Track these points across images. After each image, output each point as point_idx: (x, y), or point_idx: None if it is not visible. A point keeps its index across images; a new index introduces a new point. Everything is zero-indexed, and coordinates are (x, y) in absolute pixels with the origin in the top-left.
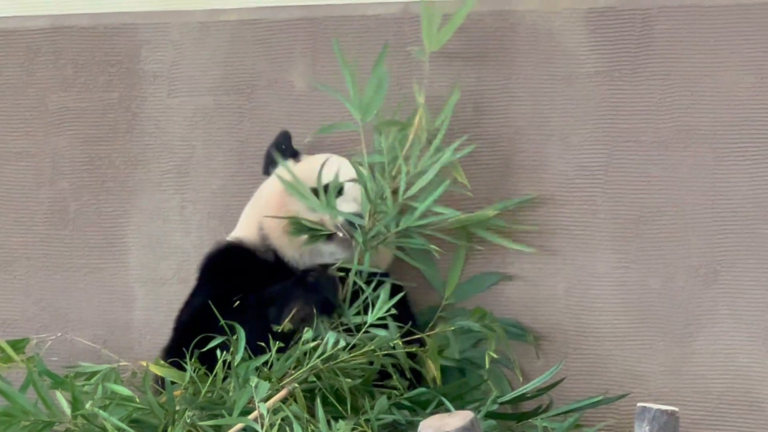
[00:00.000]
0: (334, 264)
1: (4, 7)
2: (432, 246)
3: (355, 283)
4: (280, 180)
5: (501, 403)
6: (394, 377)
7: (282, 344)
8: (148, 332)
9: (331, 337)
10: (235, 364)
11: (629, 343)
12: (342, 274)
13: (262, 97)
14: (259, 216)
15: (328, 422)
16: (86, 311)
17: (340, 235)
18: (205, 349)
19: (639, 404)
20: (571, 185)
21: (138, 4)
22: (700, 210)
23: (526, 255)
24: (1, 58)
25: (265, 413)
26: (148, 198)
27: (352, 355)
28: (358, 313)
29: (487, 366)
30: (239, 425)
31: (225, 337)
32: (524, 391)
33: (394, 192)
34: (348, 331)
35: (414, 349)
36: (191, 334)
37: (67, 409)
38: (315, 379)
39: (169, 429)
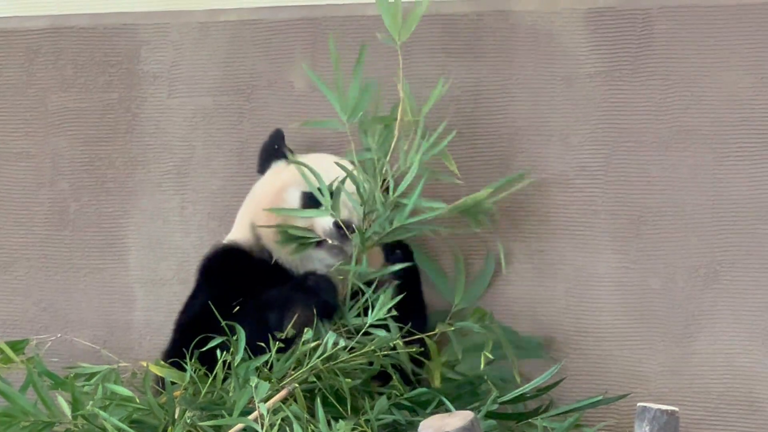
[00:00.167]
0: (329, 267)
1: (4, 8)
2: (440, 228)
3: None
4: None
5: (501, 403)
6: (395, 378)
7: (282, 345)
8: (148, 333)
9: (330, 337)
10: (235, 364)
11: (629, 343)
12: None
13: (261, 98)
14: (253, 217)
15: (328, 422)
16: (86, 312)
17: (329, 242)
18: (204, 349)
19: (639, 404)
20: (571, 186)
21: (138, 4)
22: (700, 210)
23: (526, 255)
24: (1, 58)
25: (265, 413)
26: (148, 198)
27: (352, 355)
28: (358, 315)
29: (482, 366)
30: (239, 425)
31: (225, 338)
32: (524, 391)
33: (386, 190)
34: (349, 332)
35: (414, 349)
36: (191, 336)
37: (67, 410)
38: (315, 379)
39: (169, 429)
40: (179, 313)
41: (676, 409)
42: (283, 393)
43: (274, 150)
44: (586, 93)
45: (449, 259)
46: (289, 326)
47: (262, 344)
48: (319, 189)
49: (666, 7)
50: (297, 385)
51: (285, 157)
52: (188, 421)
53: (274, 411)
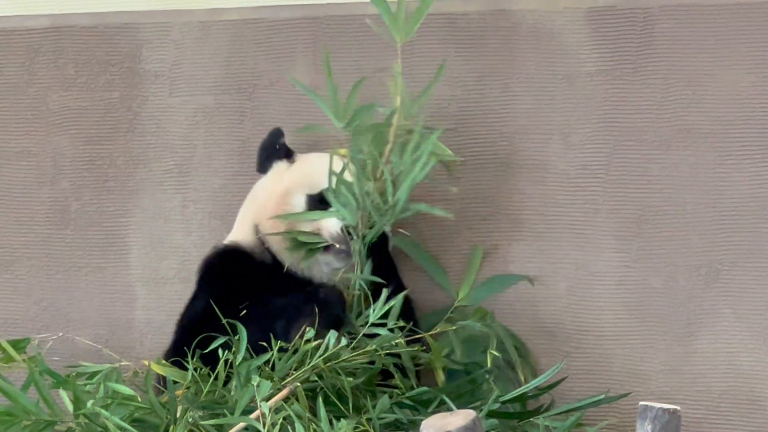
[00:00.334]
0: (336, 270)
1: (5, 7)
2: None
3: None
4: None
5: (503, 402)
6: (396, 377)
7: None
8: (150, 332)
9: (332, 336)
10: (237, 363)
11: (630, 342)
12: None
13: (263, 97)
14: (256, 219)
15: (330, 421)
16: (87, 311)
17: (337, 246)
18: (207, 350)
19: (641, 403)
20: (572, 184)
21: (139, 3)
22: (701, 209)
23: (528, 254)
24: (2, 57)
25: (266, 412)
26: (150, 197)
27: (353, 354)
28: (359, 314)
29: (488, 365)
30: (241, 424)
31: (227, 338)
32: (526, 390)
33: (381, 194)
34: (350, 331)
35: (416, 349)
36: (192, 336)
37: (69, 407)
38: (317, 378)
39: (171, 428)
40: (181, 313)
41: (678, 408)
42: (284, 392)
43: (273, 149)
44: (587, 92)
45: (450, 259)
46: (297, 337)
47: (264, 344)
48: (323, 192)
49: (667, 6)
50: (299, 384)
51: (285, 156)
52: (190, 420)
53: (276, 410)
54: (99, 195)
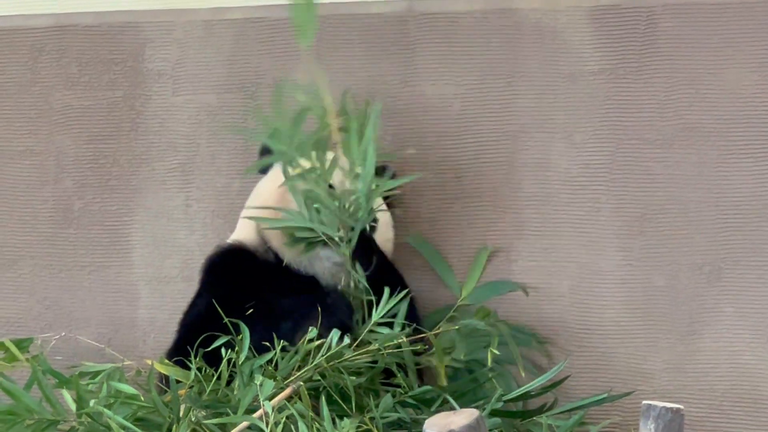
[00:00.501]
0: (337, 264)
1: (8, 6)
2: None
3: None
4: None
5: (506, 401)
6: (399, 376)
7: (286, 343)
8: (153, 331)
9: (335, 335)
10: (240, 362)
11: (633, 340)
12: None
13: (266, 96)
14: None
15: (333, 420)
16: (90, 310)
17: (336, 239)
18: (209, 348)
19: (644, 402)
20: (575, 183)
21: (142, 2)
22: (704, 208)
23: (531, 253)
24: (5, 56)
25: (269, 412)
26: (153, 196)
27: (356, 353)
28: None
29: (489, 364)
30: (244, 424)
31: (230, 337)
32: (529, 389)
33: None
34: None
35: (419, 348)
36: (195, 335)
37: (72, 406)
38: (320, 377)
39: (174, 428)
40: (184, 312)
41: (681, 406)
42: (287, 391)
43: (270, 151)
44: (590, 90)
45: (452, 258)
46: (302, 341)
47: (267, 344)
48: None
49: (670, 5)
50: (302, 383)
51: None
52: (193, 419)
53: (279, 409)
54: (102, 194)
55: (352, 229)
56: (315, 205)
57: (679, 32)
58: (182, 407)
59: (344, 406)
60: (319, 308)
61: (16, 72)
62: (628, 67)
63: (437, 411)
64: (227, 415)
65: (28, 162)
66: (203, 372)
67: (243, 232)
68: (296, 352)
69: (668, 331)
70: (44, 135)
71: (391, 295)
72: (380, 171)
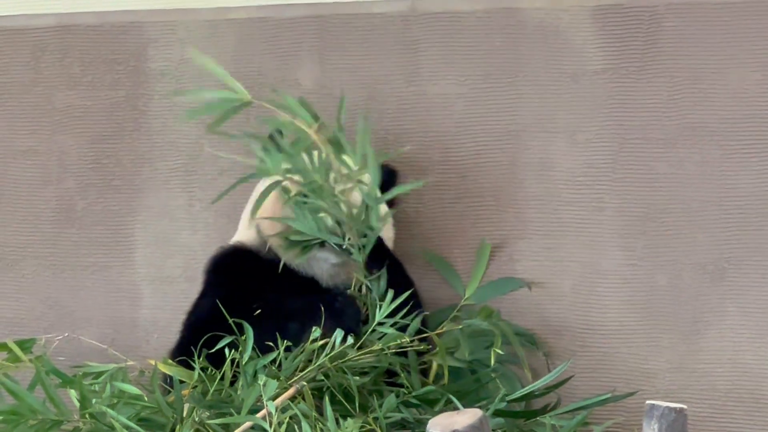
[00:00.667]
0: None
1: (11, 6)
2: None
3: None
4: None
5: (509, 401)
6: (402, 376)
7: (290, 343)
8: (155, 331)
9: (338, 335)
10: (244, 362)
11: (636, 340)
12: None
13: (269, 95)
14: (257, 219)
15: (337, 420)
16: (93, 310)
17: (332, 242)
18: (214, 349)
19: (647, 401)
20: (578, 183)
21: (145, 2)
22: (707, 207)
23: (533, 252)
24: (8, 56)
25: (273, 411)
26: (155, 196)
27: (360, 353)
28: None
29: (492, 363)
30: (247, 423)
31: (233, 337)
32: (532, 389)
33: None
34: None
35: (423, 347)
36: (199, 336)
37: (76, 403)
38: (323, 377)
39: (178, 428)
40: (187, 313)
41: (685, 406)
42: (291, 391)
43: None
44: (593, 90)
45: (456, 257)
46: (307, 342)
47: (271, 345)
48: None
49: (673, 4)
50: (305, 383)
51: None
52: (196, 419)
53: (283, 409)
54: (105, 194)
55: (365, 235)
56: (321, 215)
57: (682, 31)
58: (185, 407)
59: (348, 406)
60: (328, 311)
61: (19, 72)
62: (631, 67)
63: (441, 411)
64: (230, 415)
65: (31, 162)
66: (207, 372)
67: (244, 234)
68: (300, 352)
69: (671, 330)
70: (47, 135)
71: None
72: (386, 173)
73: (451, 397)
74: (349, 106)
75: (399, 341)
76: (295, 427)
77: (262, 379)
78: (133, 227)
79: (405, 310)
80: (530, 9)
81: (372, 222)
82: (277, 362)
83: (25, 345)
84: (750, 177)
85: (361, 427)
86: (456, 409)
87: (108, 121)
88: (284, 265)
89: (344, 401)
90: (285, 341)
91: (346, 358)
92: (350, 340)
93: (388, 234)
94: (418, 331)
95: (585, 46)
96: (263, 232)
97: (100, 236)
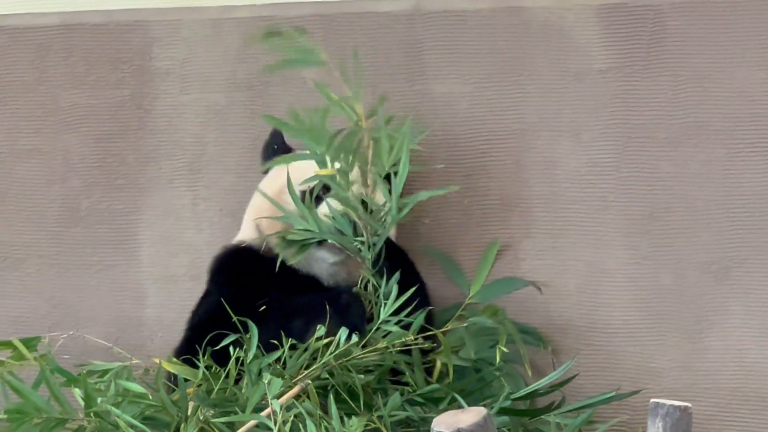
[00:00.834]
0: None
1: (16, 4)
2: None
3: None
4: (262, 194)
5: (514, 400)
6: (407, 374)
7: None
8: (160, 329)
9: (343, 333)
10: (248, 361)
11: (641, 339)
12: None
13: (274, 94)
14: (256, 216)
15: (341, 419)
16: (98, 309)
17: (329, 241)
18: (218, 347)
19: (652, 400)
20: (582, 182)
21: (150, 1)
22: (711, 206)
23: (538, 252)
24: (13, 55)
25: (278, 410)
26: (160, 195)
27: (364, 351)
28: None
29: (497, 362)
30: (252, 422)
31: (238, 335)
32: (537, 388)
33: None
34: None
35: (427, 345)
36: (203, 335)
37: (81, 402)
38: (328, 376)
39: (182, 426)
40: (192, 311)
41: (689, 405)
42: (295, 390)
43: (274, 149)
44: (597, 89)
45: (461, 256)
46: (312, 339)
47: (276, 343)
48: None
49: (677, 3)
50: (310, 381)
51: (286, 153)
52: (201, 417)
53: (287, 408)
54: (109, 193)
55: (377, 234)
56: (337, 211)
57: (687, 30)
58: (190, 406)
59: (352, 405)
60: (333, 309)
61: (23, 71)
62: (636, 66)
63: (445, 409)
64: (235, 413)
65: (36, 161)
66: (211, 370)
67: (247, 233)
68: (305, 351)
69: (676, 329)
70: (51, 134)
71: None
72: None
73: (455, 395)
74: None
75: (404, 339)
76: (300, 425)
77: (266, 377)
78: (138, 226)
79: (411, 308)
80: (535, 8)
81: (388, 221)
82: (282, 360)
83: (29, 343)
84: (755, 176)
85: (366, 425)
86: (460, 407)
87: (113, 120)
88: (287, 264)
89: (349, 399)
90: (290, 339)
91: (351, 357)
92: (355, 338)
93: (391, 231)
94: (423, 329)
95: (589, 45)
96: (262, 231)
97: (104, 235)
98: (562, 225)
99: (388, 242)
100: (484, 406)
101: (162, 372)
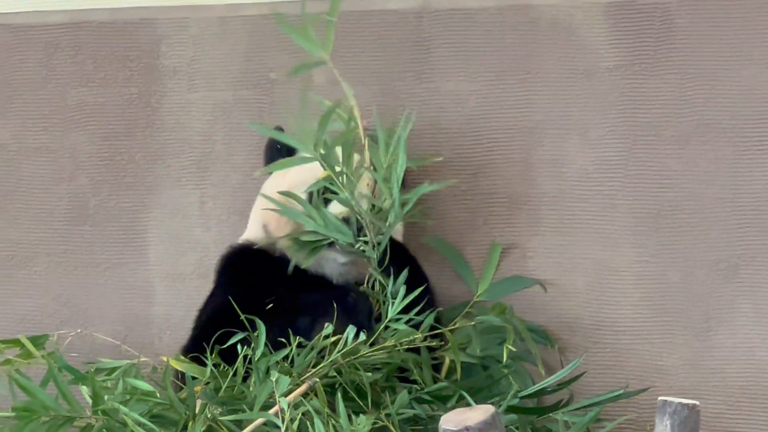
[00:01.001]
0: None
1: (23, 2)
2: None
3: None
4: (265, 197)
5: (522, 398)
6: (415, 372)
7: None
8: (168, 328)
9: (351, 331)
10: (256, 359)
11: (649, 337)
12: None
13: (281, 92)
14: (264, 219)
15: (349, 417)
16: (106, 307)
17: (340, 241)
18: (226, 345)
19: (660, 398)
20: (590, 180)
21: None
22: (719, 204)
23: (546, 250)
24: (21, 53)
25: (285, 408)
26: (168, 193)
27: (372, 349)
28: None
29: (504, 360)
30: (260, 420)
31: (246, 333)
32: (545, 386)
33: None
34: None
35: (435, 344)
36: (211, 333)
37: (89, 400)
38: (336, 373)
39: (190, 424)
40: (199, 311)
41: (697, 402)
42: (303, 387)
43: (277, 149)
44: (605, 87)
45: (469, 255)
46: (318, 337)
47: (284, 341)
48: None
49: (685, 1)
50: (317, 379)
51: (288, 155)
52: (209, 415)
53: (295, 405)
54: (117, 191)
55: (381, 233)
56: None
57: (695, 28)
58: (198, 404)
59: (360, 403)
60: (340, 307)
61: (31, 69)
62: (644, 64)
63: (453, 407)
64: (243, 411)
65: (44, 159)
66: (219, 369)
67: (252, 233)
68: (312, 349)
69: (684, 327)
70: (59, 132)
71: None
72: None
73: (463, 393)
74: (360, 103)
75: (411, 338)
76: (308, 423)
77: (274, 375)
78: (146, 224)
79: (419, 308)
80: (543, 6)
81: (392, 219)
82: (290, 359)
83: (37, 341)
84: (763, 174)
85: (374, 423)
86: (468, 405)
87: (120, 119)
88: (296, 265)
89: (357, 397)
90: (297, 338)
91: (359, 355)
92: (362, 336)
93: (398, 229)
94: (431, 328)
95: (597, 43)
96: (271, 233)
97: (112, 233)
98: (570, 223)
99: (392, 241)
100: (492, 404)
101: (170, 370)
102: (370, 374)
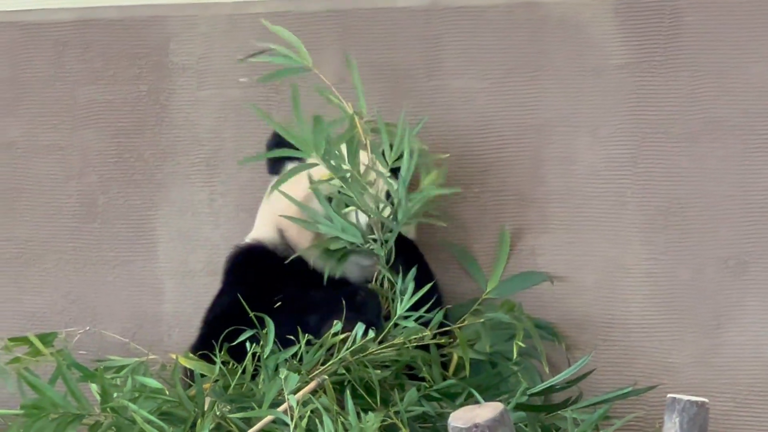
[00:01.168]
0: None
1: (32, 0)
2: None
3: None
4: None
5: (531, 395)
6: (424, 369)
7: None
8: (177, 325)
9: (359, 329)
10: (265, 356)
11: (658, 334)
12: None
13: (290, 90)
14: (279, 223)
15: (358, 414)
16: (115, 304)
17: (364, 245)
18: (235, 342)
19: (669, 395)
20: (599, 177)
21: None
22: (729, 201)
23: (555, 247)
24: (30, 51)
25: (294, 405)
26: (177, 191)
27: (381, 347)
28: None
29: (514, 357)
30: (269, 417)
31: (254, 330)
32: (554, 383)
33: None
34: None
35: (443, 341)
36: (219, 331)
37: (98, 397)
38: (344, 371)
39: (199, 422)
40: (207, 310)
41: (706, 400)
42: (312, 385)
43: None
44: (615, 84)
45: (478, 252)
46: (327, 334)
47: (292, 338)
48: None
49: None
50: (326, 377)
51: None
52: (217, 413)
53: (304, 403)
54: (126, 188)
55: (390, 231)
56: (349, 209)
57: (704, 26)
58: (207, 401)
59: (369, 400)
60: (349, 305)
61: (41, 67)
62: (653, 61)
63: (462, 404)
64: (252, 409)
65: (53, 157)
66: (228, 366)
67: (262, 232)
68: (321, 346)
69: (693, 325)
70: (69, 130)
71: (416, 289)
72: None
73: (472, 390)
74: (370, 100)
75: (420, 335)
76: (317, 421)
77: (283, 372)
78: (155, 222)
79: (428, 306)
80: (552, 3)
81: (399, 217)
82: (299, 356)
83: (46, 339)
84: None
85: (383, 420)
86: (477, 402)
87: (130, 116)
88: (303, 262)
89: (365, 395)
90: (306, 335)
91: (368, 352)
92: (371, 333)
93: (411, 230)
94: (440, 325)
95: (606, 41)
96: (292, 240)
97: (122, 231)
98: (579, 220)
99: (401, 237)
100: (501, 401)
101: (179, 367)
102: (378, 372)
